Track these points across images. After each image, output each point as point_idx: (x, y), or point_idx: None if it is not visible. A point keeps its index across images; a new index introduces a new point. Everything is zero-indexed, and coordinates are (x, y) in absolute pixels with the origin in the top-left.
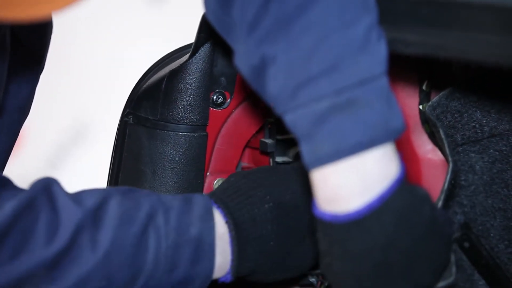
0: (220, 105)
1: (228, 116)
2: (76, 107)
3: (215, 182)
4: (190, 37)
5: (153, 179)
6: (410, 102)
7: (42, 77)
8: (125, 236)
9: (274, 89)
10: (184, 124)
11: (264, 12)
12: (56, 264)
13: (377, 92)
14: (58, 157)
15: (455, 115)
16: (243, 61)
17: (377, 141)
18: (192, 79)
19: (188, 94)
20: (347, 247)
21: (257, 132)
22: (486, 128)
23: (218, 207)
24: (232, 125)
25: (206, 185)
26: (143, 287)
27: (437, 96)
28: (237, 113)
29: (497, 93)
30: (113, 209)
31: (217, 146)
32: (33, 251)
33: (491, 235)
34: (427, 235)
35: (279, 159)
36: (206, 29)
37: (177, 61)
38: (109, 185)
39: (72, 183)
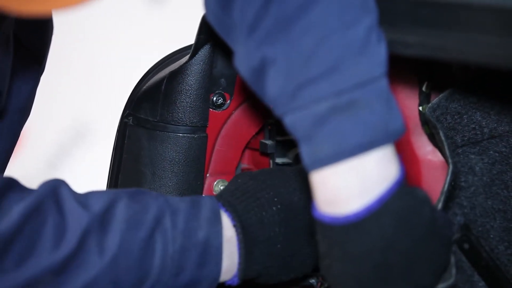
0: (220, 106)
1: (228, 118)
2: (76, 108)
3: (215, 183)
4: (190, 38)
5: (153, 181)
6: (410, 104)
7: (43, 77)
8: (133, 240)
9: (274, 90)
10: (184, 126)
11: (264, 13)
12: (63, 269)
13: (377, 93)
14: (58, 158)
15: (455, 116)
16: (243, 63)
17: (377, 143)
18: (192, 80)
19: (188, 95)
20: (347, 249)
21: (257, 133)
22: (486, 130)
23: (226, 210)
24: (232, 127)
25: (206, 186)
26: None
27: (437, 98)
28: (237, 114)
29: (497, 95)
30: (120, 212)
31: (217, 147)
32: (40, 256)
33: (491, 236)
34: (427, 237)
35: (279, 160)
36: (206, 31)
37: (177, 62)
38: (109, 186)
39: (72, 184)
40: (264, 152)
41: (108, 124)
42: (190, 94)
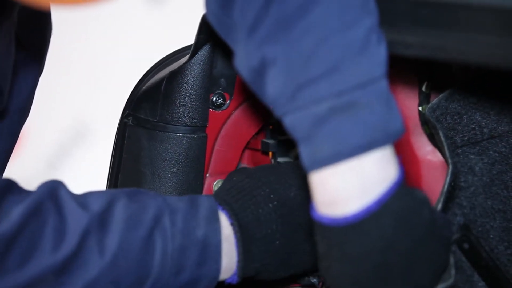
0: (219, 106)
1: (228, 118)
2: (76, 108)
3: (215, 183)
4: (189, 38)
5: (153, 181)
6: (410, 104)
7: (42, 77)
8: (132, 240)
9: (274, 91)
10: (184, 126)
11: (264, 14)
12: (64, 269)
13: (376, 94)
14: (58, 158)
15: (455, 117)
16: (243, 63)
17: (376, 144)
18: (191, 80)
19: (187, 95)
20: (346, 250)
21: (257, 133)
22: (485, 130)
23: (223, 209)
24: (231, 127)
25: (205, 186)
26: None
27: (436, 98)
28: (237, 114)
29: (496, 95)
30: (119, 212)
31: (216, 147)
32: (41, 257)
33: (491, 236)
34: (426, 238)
35: (280, 159)
36: (205, 31)
37: (177, 62)
38: (109, 186)
39: (71, 184)
40: (265, 151)
41: (108, 124)
42: (190, 94)
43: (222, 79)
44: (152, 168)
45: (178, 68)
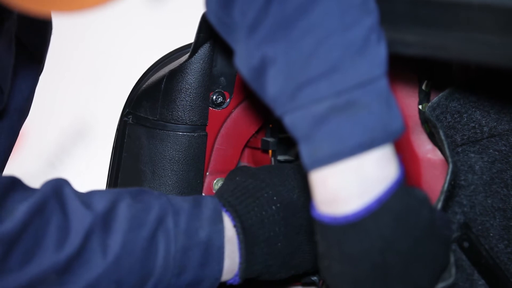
0: (219, 105)
1: (228, 116)
2: (76, 107)
3: (215, 182)
4: (189, 37)
5: (153, 179)
6: (410, 102)
7: (42, 76)
8: (135, 240)
9: (274, 90)
10: (184, 124)
11: (265, 14)
12: (66, 269)
13: (376, 93)
14: (58, 157)
15: (455, 115)
16: (243, 62)
17: (376, 143)
18: (191, 79)
19: (187, 94)
20: (345, 249)
21: (257, 132)
22: (485, 128)
23: (226, 210)
24: (231, 125)
25: (205, 185)
26: None
27: (436, 97)
28: (237, 113)
29: (496, 94)
30: (123, 212)
31: (216, 146)
32: (44, 256)
33: (491, 234)
34: (426, 238)
35: (281, 157)
36: (205, 29)
37: (177, 61)
38: (109, 185)
39: (72, 183)
40: (266, 149)
41: (107, 122)
42: (190, 92)
43: (222, 78)
44: (152, 166)
45: (178, 66)
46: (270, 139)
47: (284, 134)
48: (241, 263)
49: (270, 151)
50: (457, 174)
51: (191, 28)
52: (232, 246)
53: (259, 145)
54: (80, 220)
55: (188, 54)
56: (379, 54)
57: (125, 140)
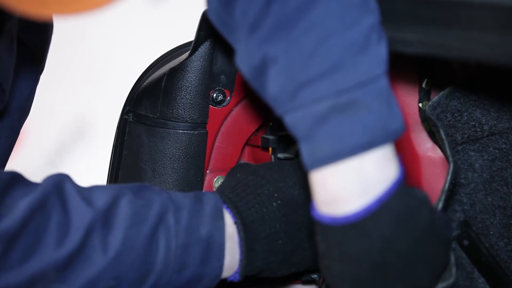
0: (220, 103)
1: (228, 114)
2: (76, 105)
3: (215, 180)
4: (190, 35)
5: (153, 177)
6: (410, 101)
7: (43, 75)
8: (136, 237)
9: (274, 89)
10: (184, 122)
11: (266, 13)
12: (67, 265)
13: (377, 93)
14: (58, 155)
15: (455, 114)
16: (244, 61)
17: (376, 143)
18: (192, 77)
19: (188, 92)
20: (346, 249)
21: (257, 130)
22: (485, 127)
23: (227, 207)
24: (232, 123)
25: (206, 183)
26: (153, 286)
27: (437, 96)
28: (237, 111)
29: (496, 92)
30: (124, 209)
31: (216, 144)
32: (44, 252)
33: (491, 233)
34: (426, 238)
35: (281, 155)
36: (206, 27)
37: (177, 59)
38: (109, 183)
39: (72, 178)
40: (266, 147)
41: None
42: (190, 90)
43: (223, 76)
44: (152, 164)
45: (178, 64)
46: (270, 137)
47: (284, 132)
48: (241, 260)
49: (270, 149)
50: (458, 173)
51: (192, 26)
52: (233, 243)
53: (259, 143)
54: (81, 217)
55: (189, 52)
56: (379, 53)
57: (126, 138)
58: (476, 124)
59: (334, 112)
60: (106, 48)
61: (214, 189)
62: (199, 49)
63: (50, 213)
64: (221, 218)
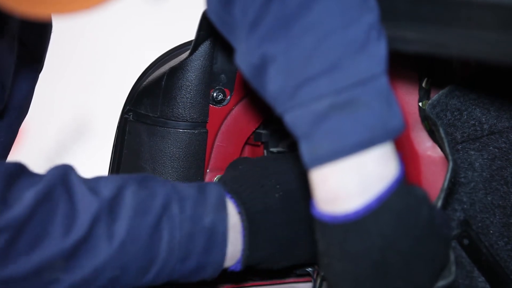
0: (220, 102)
1: (228, 113)
2: (76, 104)
3: (215, 179)
4: (190, 34)
5: None
6: (410, 99)
7: (43, 73)
8: (140, 227)
9: (274, 88)
10: (184, 121)
11: (265, 12)
12: (73, 254)
13: (376, 91)
14: (58, 154)
15: (455, 113)
16: (244, 60)
17: (376, 141)
18: (192, 76)
19: (188, 91)
20: (345, 247)
21: (257, 129)
22: (485, 126)
23: (231, 197)
24: (232, 122)
25: (206, 181)
26: (156, 275)
27: (436, 95)
28: (237, 110)
29: (496, 91)
30: (128, 199)
31: (217, 143)
32: (51, 242)
33: (491, 232)
34: (425, 236)
35: (273, 149)
36: (206, 26)
37: (177, 58)
38: None
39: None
40: (258, 141)
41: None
42: (190, 89)
43: (223, 75)
44: (152, 163)
45: (178, 64)
46: (262, 131)
47: (276, 126)
48: (243, 250)
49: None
50: (457, 172)
51: (192, 25)
52: (236, 233)
53: (259, 142)
54: (87, 207)
55: (189, 51)
56: (379, 51)
57: (126, 137)
58: (476, 123)
59: (334, 111)
60: (106, 47)
61: None
62: (199, 48)
63: (56, 203)
64: (224, 208)
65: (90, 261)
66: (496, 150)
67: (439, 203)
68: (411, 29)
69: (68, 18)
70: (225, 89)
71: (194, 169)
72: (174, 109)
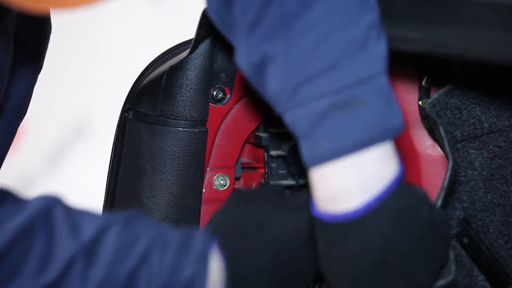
0: (220, 100)
1: (228, 112)
2: (76, 103)
3: (215, 177)
4: (190, 32)
5: (153, 175)
6: (410, 98)
7: (43, 72)
8: (118, 273)
9: (274, 87)
10: (184, 120)
11: (265, 11)
12: None
13: (376, 90)
14: (58, 153)
15: (455, 112)
16: (244, 60)
17: (376, 140)
18: (192, 74)
19: (188, 89)
20: (345, 247)
21: (257, 127)
22: (485, 125)
23: (220, 250)
24: (232, 121)
25: (206, 180)
26: None
27: (436, 93)
28: (237, 108)
29: (496, 90)
30: (110, 242)
31: (217, 141)
32: (23, 281)
33: (491, 230)
34: (425, 236)
35: (273, 152)
36: (206, 25)
37: (177, 56)
38: (109, 181)
39: (72, 179)
40: (258, 144)
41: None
42: (190, 88)
43: (223, 74)
44: (152, 162)
45: (178, 62)
46: (262, 135)
47: (276, 129)
48: None
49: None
50: (457, 171)
51: (192, 24)
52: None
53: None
54: (65, 247)
55: (189, 50)
56: (379, 51)
57: (126, 136)
58: (476, 122)
59: (334, 110)
60: (106, 46)
61: (214, 187)
62: (199, 47)
63: (35, 239)
64: (207, 262)
65: None
66: (496, 148)
67: (439, 202)
68: (411, 28)
69: (68, 13)
70: (225, 88)
71: (194, 168)
72: (174, 108)
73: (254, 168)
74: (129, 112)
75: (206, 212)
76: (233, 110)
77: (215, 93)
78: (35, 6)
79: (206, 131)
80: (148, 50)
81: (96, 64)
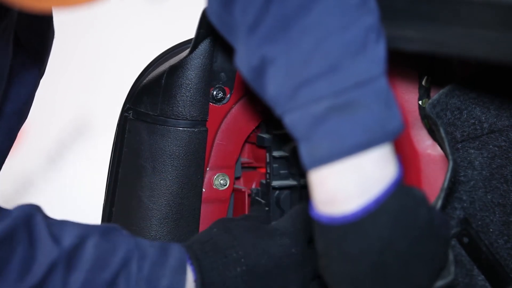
0: (220, 100)
1: (228, 112)
2: (77, 103)
3: (215, 177)
4: (190, 32)
5: (153, 174)
6: (410, 98)
7: None
8: (96, 281)
9: (274, 90)
10: (184, 120)
11: (265, 13)
12: None
13: (375, 93)
14: (58, 153)
15: (455, 112)
16: (243, 62)
17: (374, 142)
18: (192, 74)
19: (188, 89)
20: (344, 249)
21: (257, 127)
22: (485, 125)
23: (191, 263)
24: (232, 121)
25: (206, 180)
26: None
27: (436, 94)
28: (237, 108)
29: (496, 90)
30: (89, 251)
31: (217, 141)
32: (5, 286)
33: (491, 230)
34: (423, 238)
35: (275, 153)
36: (206, 25)
37: (177, 56)
38: (109, 180)
39: (72, 179)
40: (261, 145)
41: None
42: (190, 88)
43: (223, 73)
44: (152, 162)
45: (178, 62)
46: (265, 136)
47: (279, 131)
48: None
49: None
50: (457, 171)
51: (192, 23)
52: None
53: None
54: (46, 254)
55: (189, 49)
56: (378, 53)
57: (126, 136)
58: (476, 122)
59: (333, 112)
60: (106, 46)
61: (214, 187)
62: (199, 47)
63: (16, 246)
64: (183, 272)
65: None
66: (496, 148)
67: (439, 203)
68: (411, 28)
69: (68, 12)
70: (225, 88)
71: (194, 168)
72: (174, 108)
73: (254, 167)
74: (129, 112)
75: (206, 211)
76: (233, 110)
77: (215, 92)
78: (35, 4)
79: (206, 130)
80: (148, 50)
81: (96, 64)
